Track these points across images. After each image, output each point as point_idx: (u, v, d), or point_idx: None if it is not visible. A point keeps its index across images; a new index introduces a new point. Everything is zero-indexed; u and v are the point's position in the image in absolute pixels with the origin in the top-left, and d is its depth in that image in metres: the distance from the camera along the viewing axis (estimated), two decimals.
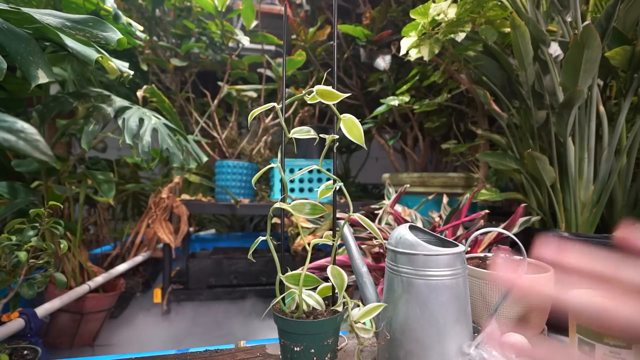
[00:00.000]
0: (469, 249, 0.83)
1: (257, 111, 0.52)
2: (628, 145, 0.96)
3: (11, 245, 0.66)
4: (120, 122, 1.01)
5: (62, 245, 0.72)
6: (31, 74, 0.61)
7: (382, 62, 1.61)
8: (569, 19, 1.01)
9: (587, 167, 1.00)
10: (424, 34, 1.14)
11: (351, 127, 0.49)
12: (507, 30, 1.10)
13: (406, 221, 0.86)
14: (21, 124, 0.60)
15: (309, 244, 0.52)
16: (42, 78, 0.62)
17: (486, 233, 0.90)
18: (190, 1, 1.79)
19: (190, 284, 1.52)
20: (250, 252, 0.54)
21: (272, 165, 0.55)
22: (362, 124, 1.60)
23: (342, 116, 0.50)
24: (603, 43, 0.89)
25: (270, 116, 1.91)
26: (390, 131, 1.95)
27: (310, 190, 1.66)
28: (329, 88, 0.48)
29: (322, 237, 0.54)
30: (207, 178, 1.91)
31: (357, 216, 0.52)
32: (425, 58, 1.12)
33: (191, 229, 2.17)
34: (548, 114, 1.03)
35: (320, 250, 1.67)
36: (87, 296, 1.16)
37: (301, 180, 1.66)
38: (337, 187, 0.53)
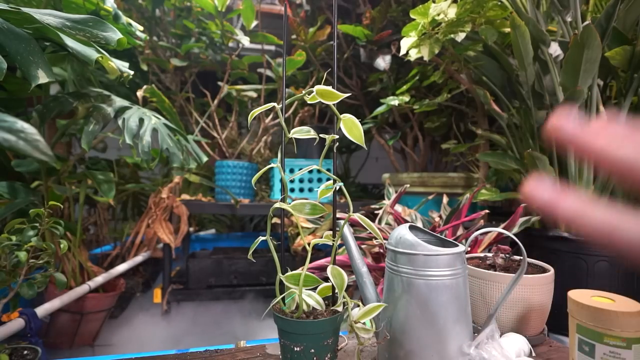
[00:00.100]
0: (469, 249, 0.83)
1: (257, 111, 0.52)
2: None
3: (11, 245, 0.66)
4: (120, 122, 1.01)
5: (62, 245, 0.72)
6: (31, 74, 0.61)
7: (382, 62, 1.61)
8: (569, 19, 1.01)
9: (587, 167, 1.00)
10: (424, 34, 1.14)
11: (351, 127, 0.49)
12: (507, 30, 1.10)
13: (406, 221, 0.86)
14: (21, 124, 0.60)
15: (309, 244, 0.52)
16: (42, 78, 0.62)
17: (486, 233, 0.90)
18: (190, 1, 1.79)
19: (190, 284, 1.52)
20: (250, 252, 0.54)
21: (272, 165, 0.55)
22: (362, 124, 1.60)
23: (342, 116, 0.50)
24: (603, 43, 0.89)
25: (270, 116, 1.91)
26: (390, 131, 1.95)
27: (310, 190, 1.66)
28: (329, 88, 0.48)
29: (322, 237, 0.54)
30: (207, 178, 1.91)
31: (357, 216, 0.52)
32: (425, 58, 1.12)
33: (191, 229, 2.17)
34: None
35: (320, 250, 1.67)
36: (87, 296, 1.16)
37: (301, 180, 1.66)
38: (337, 187, 0.53)
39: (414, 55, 1.19)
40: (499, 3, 1.06)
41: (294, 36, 1.82)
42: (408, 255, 0.51)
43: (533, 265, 0.75)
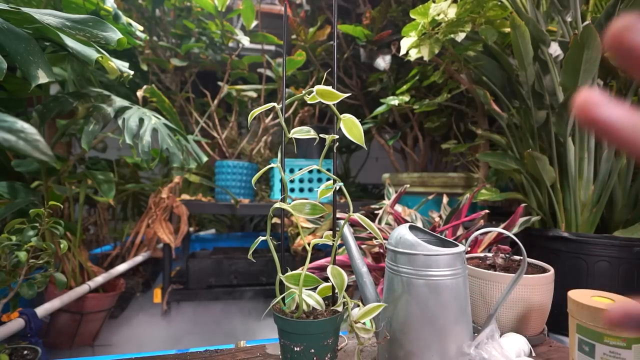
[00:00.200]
0: (469, 249, 0.83)
1: (257, 111, 0.52)
2: None
3: (11, 245, 0.66)
4: (120, 122, 1.01)
5: (62, 245, 0.72)
6: (31, 74, 0.61)
7: (382, 62, 1.61)
8: (569, 19, 1.01)
9: (587, 167, 1.00)
10: (424, 34, 1.14)
11: (351, 127, 0.49)
12: (507, 30, 1.10)
13: (406, 221, 0.86)
14: (21, 124, 0.60)
15: (309, 244, 0.52)
16: (42, 78, 0.62)
17: (486, 233, 0.90)
18: (190, 1, 1.79)
19: (190, 284, 1.52)
20: (250, 252, 0.54)
21: (272, 165, 0.55)
22: (362, 124, 1.60)
23: (342, 116, 0.50)
24: (603, 43, 0.89)
25: (270, 116, 1.91)
26: (390, 131, 1.95)
27: (310, 190, 1.66)
28: (329, 88, 0.48)
29: (322, 237, 0.54)
30: (207, 178, 1.91)
31: (357, 216, 0.52)
32: (425, 58, 1.12)
33: (191, 229, 2.17)
34: (548, 114, 1.03)
35: (320, 250, 1.67)
36: (87, 296, 1.16)
37: (301, 180, 1.66)
38: (337, 187, 0.53)
39: (414, 55, 1.19)
40: (499, 3, 1.06)
41: (294, 36, 1.82)
42: (408, 255, 0.51)
43: (533, 265, 0.75)
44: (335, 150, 0.55)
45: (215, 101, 1.87)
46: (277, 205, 0.50)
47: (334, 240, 0.54)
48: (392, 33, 1.66)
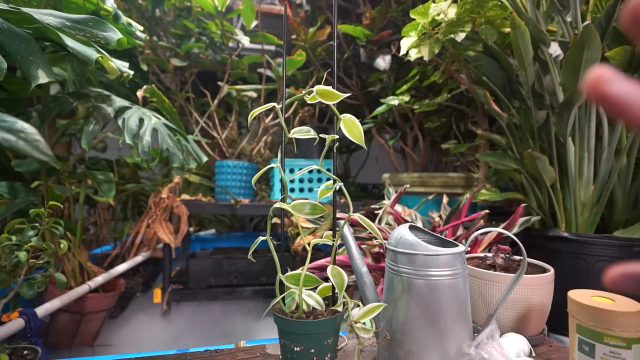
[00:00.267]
0: (469, 249, 0.83)
1: (257, 111, 0.52)
2: (628, 145, 0.96)
3: (11, 245, 0.66)
4: (120, 122, 1.01)
5: (62, 245, 0.72)
6: (31, 74, 0.61)
7: (382, 62, 1.61)
8: (569, 19, 1.01)
9: (587, 167, 1.00)
10: (424, 34, 1.14)
11: (351, 127, 0.49)
12: (507, 30, 1.10)
13: (406, 221, 0.86)
14: (21, 124, 0.60)
15: (309, 244, 0.52)
16: (42, 78, 0.62)
17: (486, 233, 0.90)
18: (190, 1, 1.79)
19: (190, 284, 1.52)
20: (250, 252, 0.54)
21: (272, 165, 0.55)
22: (362, 124, 1.60)
23: (342, 116, 0.50)
24: (603, 43, 0.89)
25: (270, 116, 1.91)
26: (390, 131, 1.95)
27: (310, 190, 1.66)
28: (329, 88, 0.48)
29: (322, 237, 0.54)
30: (207, 178, 1.91)
31: (357, 216, 0.52)
32: (425, 58, 1.12)
33: (191, 229, 2.17)
34: (548, 114, 1.03)
35: (320, 250, 1.67)
36: (87, 296, 1.16)
37: (301, 180, 1.66)
38: (337, 187, 0.53)
39: (414, 55, 1.19)
40: (499, 3, 1.06)
41: (294, 36, 1.82)
42: (408, 255, 0.51)
43: (533, 265, 0.75)
44: (335, 150, 0.55)
45: (215, 101, 1.88)
46: (277, 205, 0.50)
47: (334, 240, 0.54)
48: (392, 33, 1.66)
